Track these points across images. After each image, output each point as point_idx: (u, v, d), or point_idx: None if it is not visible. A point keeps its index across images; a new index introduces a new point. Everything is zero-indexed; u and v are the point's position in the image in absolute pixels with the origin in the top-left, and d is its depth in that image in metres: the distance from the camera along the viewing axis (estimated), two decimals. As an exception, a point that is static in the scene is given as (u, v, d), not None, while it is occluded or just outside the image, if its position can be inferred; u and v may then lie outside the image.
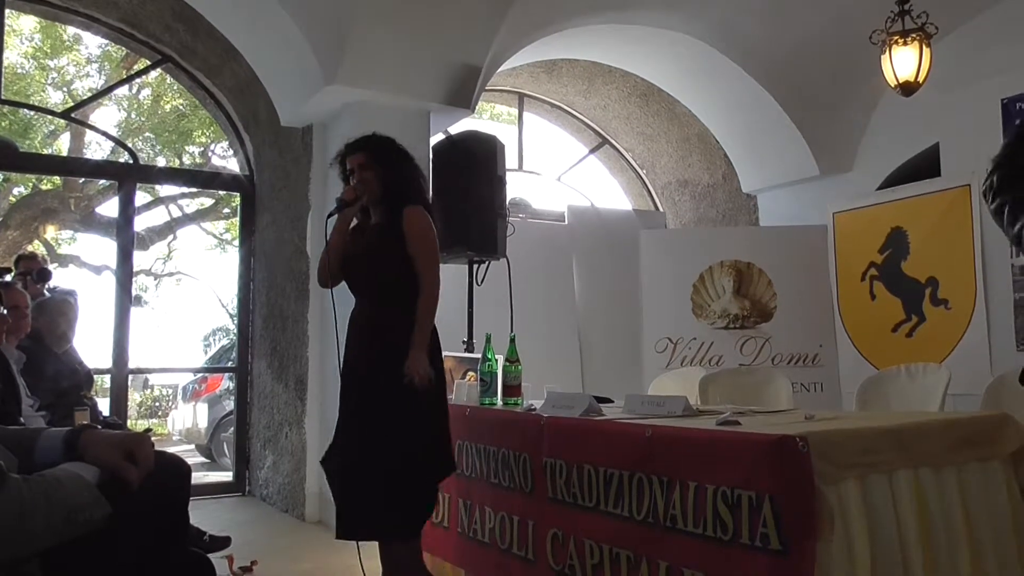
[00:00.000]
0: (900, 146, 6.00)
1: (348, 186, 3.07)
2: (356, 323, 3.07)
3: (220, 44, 5.65)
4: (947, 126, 5.51)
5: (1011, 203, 1.79)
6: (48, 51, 10.95)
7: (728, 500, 2.09)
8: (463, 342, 4.52)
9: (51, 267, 5.26)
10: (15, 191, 11.22)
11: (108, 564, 1.44)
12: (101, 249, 14.48)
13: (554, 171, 7.59)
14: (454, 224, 4.29)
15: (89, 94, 10.10)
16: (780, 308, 5.93)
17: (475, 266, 4.70)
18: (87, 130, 10.22)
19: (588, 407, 2.83)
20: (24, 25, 10.36)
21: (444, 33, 4.93)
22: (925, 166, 5.78)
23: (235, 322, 7.34)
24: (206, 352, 14.09)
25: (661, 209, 7.69)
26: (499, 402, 3.44)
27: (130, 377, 6.17)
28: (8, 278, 4.15)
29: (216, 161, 11.72)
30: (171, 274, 14.07)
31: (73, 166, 8.44)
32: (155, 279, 13.94)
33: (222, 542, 4.21)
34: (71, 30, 9.81)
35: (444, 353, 3.15)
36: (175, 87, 10.13)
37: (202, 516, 4.66)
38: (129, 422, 6.95)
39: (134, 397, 12.82)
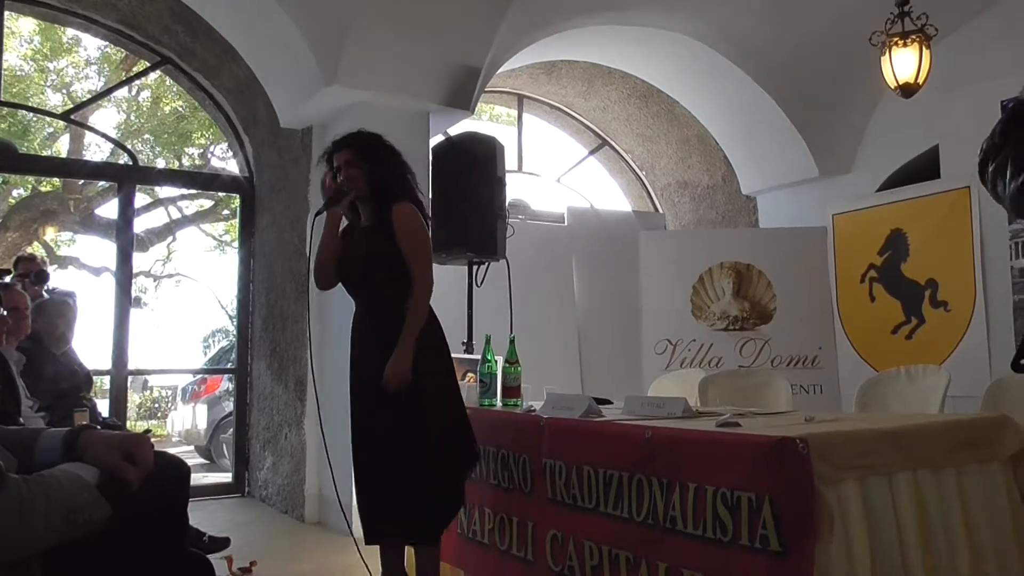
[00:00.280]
0: (900, 148, 6.00)
1: (333, 183, 3.06)
2: (357, 327, 3.07)
3: (219, 45, 5.65)
4: (947, 128, 5.50)
5: (1014, 153, 1.78)
6: (47, 53, 10.96)
7: (728, 502, 2.09)
8: (462, 343, 4.51)
9: (51, 269, 5.27)
10: (14, 193, 11.22)
11: (108, 565, 1.44)
12: (101, 251, 14.49)
13: (553, 172, 7.59)
14: (453, 225, 4.30)
15: (88, 96, 10.10)
16: (780, 310, 5.93)
17: (474, 267, 4.70)
18: (86, 132, 10.23)
19: (588, 408, 2.83)
20: (23, 27, 10.37)
21: (443, 34, 4.93)
22: (925, 168, 5.78)
23: (234, 323, 7.35)
24: (205, 353, 14.09)
25: (661, 211, 7.69)
26: (499, 403, 3.44)
27: (129, 378, 6.18)
28: (7, 280, 4.14)
29: (215, 162, 11.73)
30: (171, 275, 14.09)
31: (72, 168, 8.45)
32: (155, 280, 13.96)
33: (221, 543, 4.21)
34: (70, 32, 9.81)
35: (444, 354, 3.15)
36: (174, 89, 10.13)
37: (201, 517, 4.66)
38: (128, 423, 6.96)
39: (133, 398, 12.81)
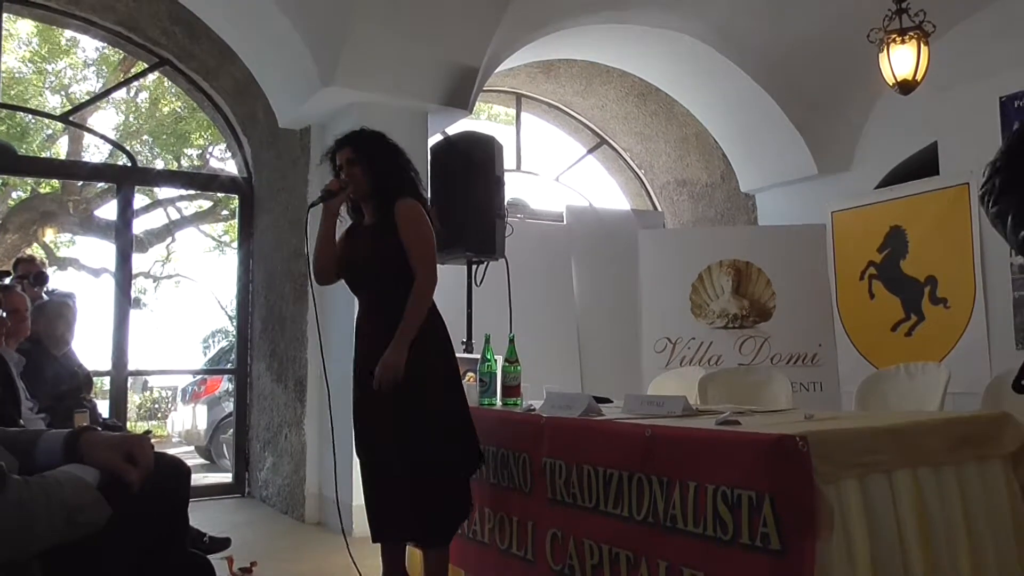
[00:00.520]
0: (898, 145, 6.00)
1: (334, 178, 3.04)
2: (362, 325, 3.06)
3: (217, 46, 5.65)
4: (945, 124, 5.50)
5: (1015, 208, 1.77)
6: (46, 55, 10.95)
7: (728, 500, 2.09)
8: (462, 343, 4.51)
9: (50, 270, 5.27)
10: (14, 195, 11.22)
11: (108, 565, 1.44)
12: (100, 252, 14.51)
13: (552, 171, 7.60)
14: (452, 225, 4.28)
15: (87, 97, 10.08)
16: (779, 307, 5.93)
17: (474, 267, 4.70)
18: (85, 133, 10.22)
19: (587, 407, 2.83)
20: (21, 29, 10.36)
21: (441, 34, 4.93)
22: (923, 164, 5.78)
23: (234, 324, 7.35)
24: (205, 354, 14.09)
25: (659, 209, 7.69)
26: (498, 402, 3.43)
27: (129, 379, 6.17)
28: (7, 281, 4.14)
29: (214, 163, 11.73)
30: (170, 276, 14.11)
31: (71, 169, 8.45)
32: (154, 281, 13.96)
33: (222, 543, 4.21)
34: (68, 33, 9.80)
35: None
36: (173, 90, 10.14)
37: (202, 517, 4.65)
38: (128, 424, 6.96)
39: (133, 399, 12.82)
